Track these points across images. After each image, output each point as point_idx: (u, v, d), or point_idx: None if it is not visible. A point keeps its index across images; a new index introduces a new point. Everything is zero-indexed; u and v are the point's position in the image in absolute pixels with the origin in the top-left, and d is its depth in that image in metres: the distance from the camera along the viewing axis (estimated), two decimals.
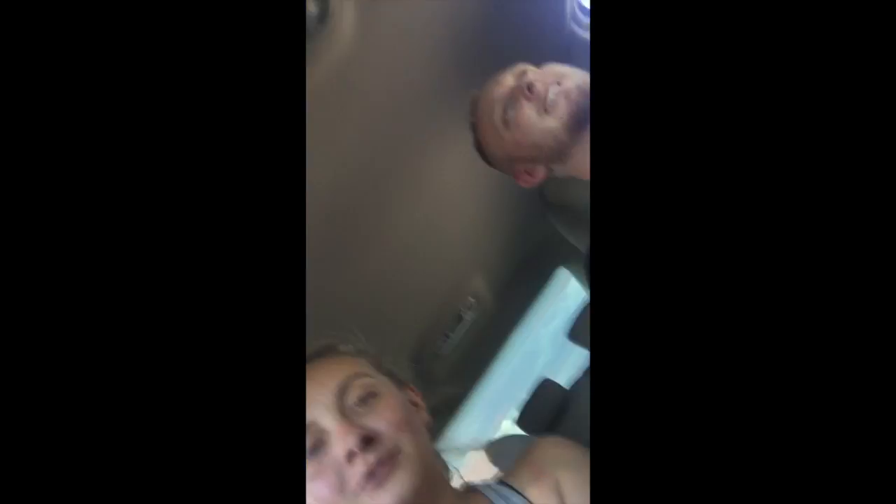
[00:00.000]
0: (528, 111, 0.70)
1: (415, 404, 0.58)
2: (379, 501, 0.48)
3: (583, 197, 0.84)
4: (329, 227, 0.84)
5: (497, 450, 0.75)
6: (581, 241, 1.22)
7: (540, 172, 0.76)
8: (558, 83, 0.69)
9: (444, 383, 1.30)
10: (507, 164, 0.78)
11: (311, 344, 0.57)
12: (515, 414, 1.58)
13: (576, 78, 0.70)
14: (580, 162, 0.73)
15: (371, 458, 0.48)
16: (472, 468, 0.71)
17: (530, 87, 0.70)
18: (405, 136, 0.90)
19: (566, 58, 0.94)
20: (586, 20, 0.99)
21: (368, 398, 0.53)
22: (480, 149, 0.80)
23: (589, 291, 0.80)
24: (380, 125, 0.84)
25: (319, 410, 0.51)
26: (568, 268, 1.72)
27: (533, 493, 0.57)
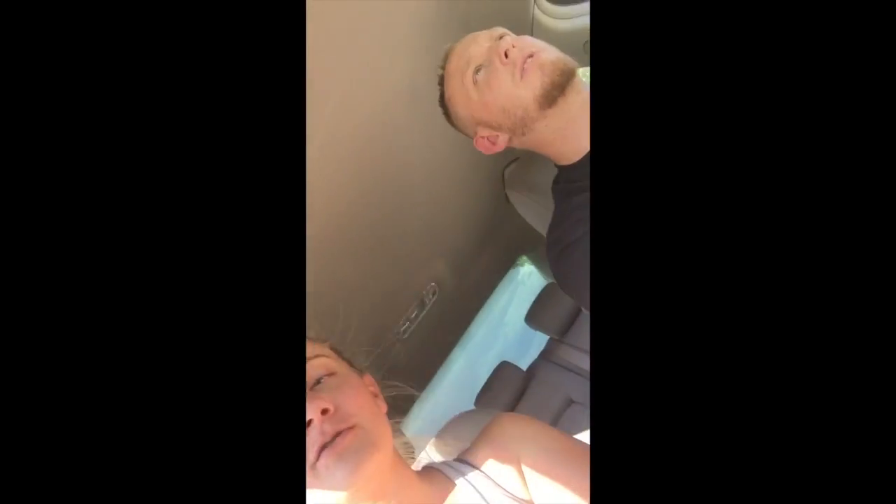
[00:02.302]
0: (502, 75, 0.69)
1: (373, 393, 0.58)
2: (336, 473, 0.47)
3: (543, 179, 0.85)
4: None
5: (456, 428, 0.76)
6: (541, 224, 1.24)
7: (501, 141, 0.75)
8: (533, 54, 0.69)
9: (405, 369, 1.30)
10: (470, 125, 0.77)
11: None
12: (474, 397, 1.60)
13: (552, 53, 0.70)
14: (541, 136, 0.73)
15: (328, 428, 0.48)
16: (433, 449, 0.72)
17: (507, 53, 0.68)
18: (368, 120, 0.88)
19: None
20: (548, 5, 0.99)
21: (327, 376, 0.53)
22: (445, 104, 0.78)
23: (546, 277, 0.81)
24: (347, 109, 0.82)
25: None
26: (528, 253, 1.74)
27: (492, 468, 0.58)
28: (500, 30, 0.73)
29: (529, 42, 0.70)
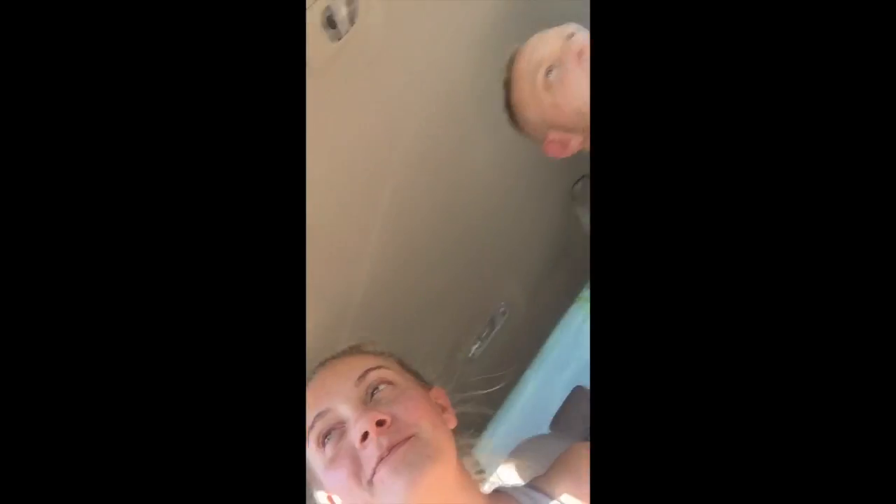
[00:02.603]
0: (578, 76, 0.66)
1: (441, 407, 0.58)
2: (393, 486, 0.45)
3: None
4: (359, 227, 0.84)
5: (529, 452, 0.74)
6: None
7: (574, 143, 0.72)
8: None
9: (475, 388, 1.29)
10: (539, 130, 0.73)
11: (340, 346, 0.57)
12: (549, 421, 1.55)
13: None
14: None
15: (384, 440, 0.47)
16: (504, 472, 0.70)
17: (582, 52, 0.65)
18: (435, 137, 0.89)
19: None
20: None
21: (385, 386, 0.52)
22: (511, 109, 0.75)
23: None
24: (403, 124, 0.83)
25: (338, 399, 0.51)
26: None
27: (567, 500, 0.56)
28: (571, 26, 0.69)
29: None
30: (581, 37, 0.67)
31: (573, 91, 0.66)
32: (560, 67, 0.67)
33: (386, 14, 0.68)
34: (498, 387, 1.55)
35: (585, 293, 1.71)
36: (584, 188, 1.26)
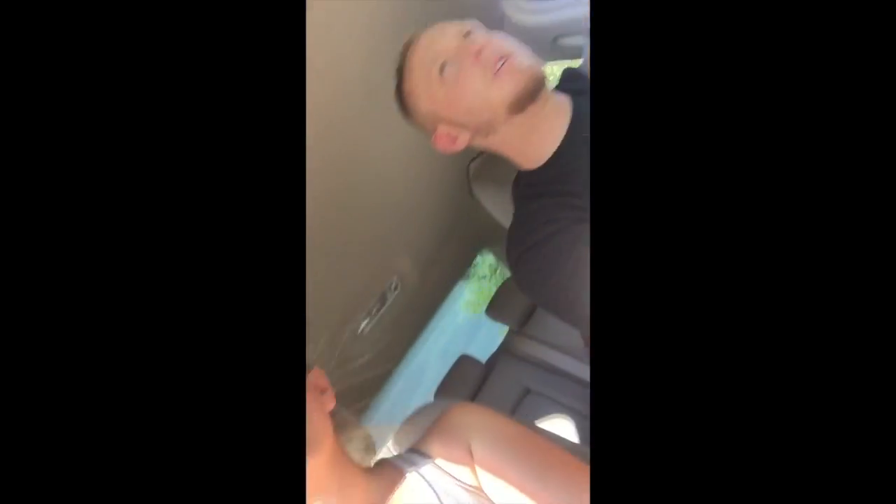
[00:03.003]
0: (473, 76, 0.66)
1: (321, 389, 0.57)
2: None
3: (511, 175, 0.86)
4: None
5: (416, 420, 0.76)
6: (505, 219, 1.25)
7: (462, 140, 0.73)
8: (507, 57, 0.66)
9: (364, 363, 1.30)
10: (430, 121, 0.73)
11: None
12: (433, 391, 1.61)
13: (526, 59, 0.67)
14: (505, 140, 0.72)
15: None
16: (394, 442, 0.72)
17: (479, 52, 0.65)
18: (323, 114, 0.86)
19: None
20: (521, 1, 0.98)
21: None
22: (402, 96, 0.74)
23: (510, 270, 0.81)
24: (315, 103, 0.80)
25: None
26: (490, 247, 1.76)
27: (443, 458, 0.58)
28: (470, 23, 0.70)
29: (501, 42, 0.68)
30: (480, 36, 0.68)
31: (467, 90, 0.67)
32: (456, 64, 0.67)
33: None
34: (386, 363, 1.58)
35: (470, 271, 1.77)
36: (479, 165, 1.30)
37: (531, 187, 0.75)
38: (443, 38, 0.69)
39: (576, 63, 0.95)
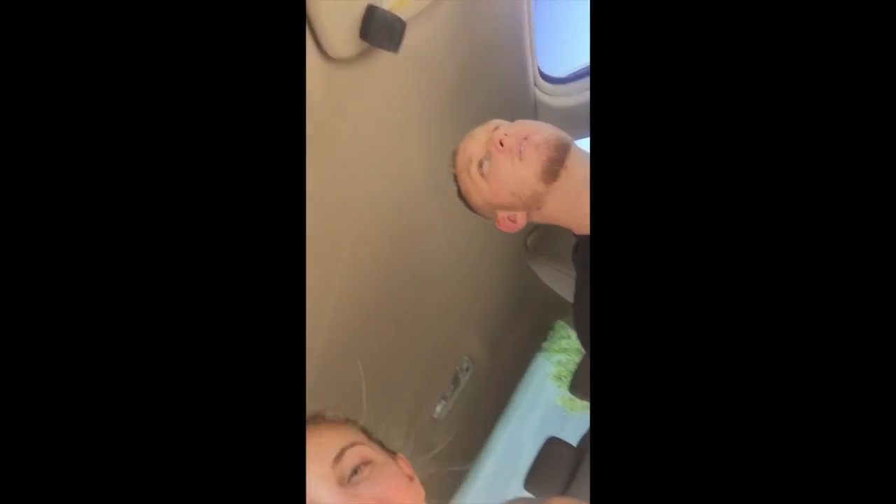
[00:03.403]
0: (503, 163, 0.75)
1: (408, 478, 0.57)
2: None
3: (563, 246, 0.86)
4: (326, 281, 0.84)
5: None
6: (566, 291, 1.23)
7: (520, 218, 0.80)
8: (527, 137, 0.74)
9: (445, 448, 1.26)
10: (489, 211, 0.82)
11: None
12: (523, 477, 1.52)
13: (545, 132, 0.75)
14: (554, 209, 0.77)
15: None
16: None
17: (502, 142, 0.74)
18: (391, 195, 0.92)
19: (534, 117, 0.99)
20: (548, 85, 1.05)
21: (363, 467, 0.51)
22: (462, 197, 0.85)
23: (585, 344, 0.80)
24: (368, 186, 0.87)
25: (316, 482, 0.49)
26: (564, 319, 1.71)
27: None
28: (495, 122, 0.79)
29: (522, 126, 0.76)
30: (503, 128, 0.77)
31: (503, 176, 0.76)
32: (489, 159, 0.77)
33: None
34: (468, 447, 1.52)
35: (546, 344, 1.72)
36: (535, 241, 1.31)
37: (588, 252, 0.76)
38: (473, 142, 0.79)
39: None
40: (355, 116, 0.78)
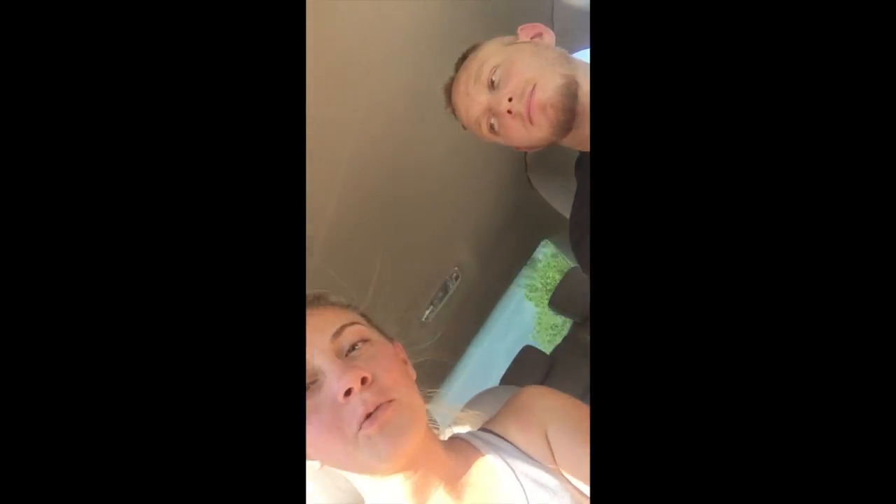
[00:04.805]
0: (515, 128, 0.73)
1: (403, 360, 0.59)
2: (378, 444, 0.47)
3: (566, 161, 0.86)
4: (325, 188, 0.85)
5: (481, 402, 0.78)
6: (565, 207, 1.25)
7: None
8: (532, 93, 0.70)
9: (428, 351, 1.33)
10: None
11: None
12: (498, 379, 1.62)
13: (548, 82, 0.70)
14: (580, 136, 0.76)
15: (369, 397, 0.48)
16: (458, 421, 0.74)
17: (510, 111, 0.71)
18: (390, 109, 0.90)
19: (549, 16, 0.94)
20: None
21: (362, 344, 0.53)
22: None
23: (572, 260, 0.83)
24: (367, 103, 0.85)
25: (315, 353, 0.50)
26: (551, 238, 1.75)
27: (518, 437, 0.58)
28: (487, 65, 0.72)
29: (517, 77, 0.70)
30: (504, 92, 0.71)
31: (517, 137, 0.74)
32: (498, 121, 0.73)
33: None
34: (449, 352, 1.60)
35: (524, 280, 1.76)
36: (537, 154, 1.30)
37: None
38: (474, 104, 0.74)
39: None
40: (356, 23, 0.74)
